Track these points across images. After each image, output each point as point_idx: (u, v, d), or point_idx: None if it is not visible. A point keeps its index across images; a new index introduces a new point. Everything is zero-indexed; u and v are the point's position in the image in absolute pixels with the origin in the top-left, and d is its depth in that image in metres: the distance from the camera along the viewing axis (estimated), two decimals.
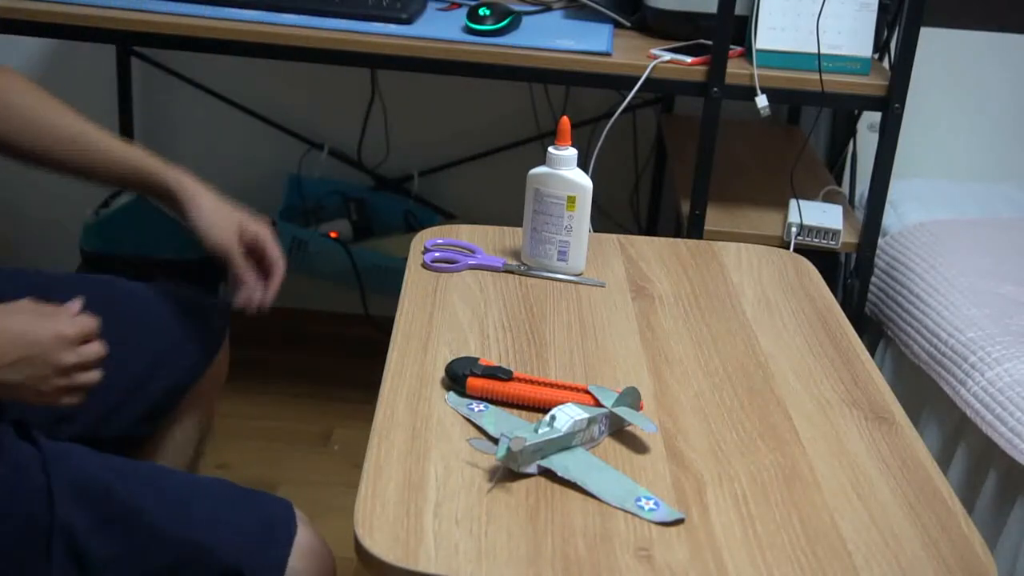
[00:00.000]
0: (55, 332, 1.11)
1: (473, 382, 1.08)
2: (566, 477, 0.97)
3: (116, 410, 1.35)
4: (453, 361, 1.11)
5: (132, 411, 1.38)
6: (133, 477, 1.17)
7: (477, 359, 1.11)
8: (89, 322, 1.15)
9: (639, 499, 0.95)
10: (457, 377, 1.09)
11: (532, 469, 0.97)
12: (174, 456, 1.49)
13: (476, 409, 1.06)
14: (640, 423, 1.02)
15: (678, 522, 0.93)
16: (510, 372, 1.09)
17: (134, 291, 1.43)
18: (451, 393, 1.09)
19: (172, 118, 2.56)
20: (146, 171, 1.35)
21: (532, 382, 1.09)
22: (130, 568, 1.13)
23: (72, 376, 1.13)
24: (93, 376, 1.15)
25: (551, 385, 1.09)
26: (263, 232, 1.37)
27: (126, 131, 2.47)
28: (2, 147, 1.35)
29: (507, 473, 0.97)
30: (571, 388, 1.09)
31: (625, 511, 0.94)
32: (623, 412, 1.03)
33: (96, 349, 1.15)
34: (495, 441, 1.00)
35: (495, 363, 1.11)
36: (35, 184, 2.61)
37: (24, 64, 2.48)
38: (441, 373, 1.11)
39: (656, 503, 0.95)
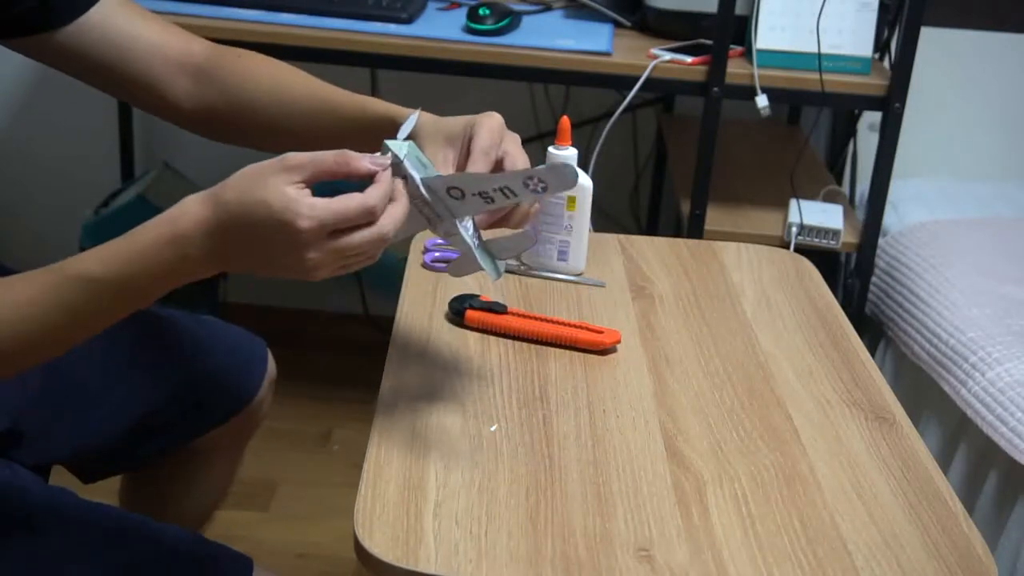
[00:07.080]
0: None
1: (471, 314, 1.18)
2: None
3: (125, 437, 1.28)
4: (455, 297, 1.21)
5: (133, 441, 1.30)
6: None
7: (478, 295, 1.20)
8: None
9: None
10: (458, 310, 1.19)
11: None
12: (198, 495, 1.42)
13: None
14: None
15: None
16: (505, 307, 1.19)
17: (171, 318, 1.33)
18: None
19: None
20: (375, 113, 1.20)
21: (526, 316, 1.18)
22: None
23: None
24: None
25: (544, 320, 1.17)
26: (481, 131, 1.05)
27: (125, 131, 2.46)
28: (246, 127, 1.24)
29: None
30: (565, 323, 1.17)
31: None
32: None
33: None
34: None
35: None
36: (35, 184, 2.61)
37: (23, 63, 2.48)
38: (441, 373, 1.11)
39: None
